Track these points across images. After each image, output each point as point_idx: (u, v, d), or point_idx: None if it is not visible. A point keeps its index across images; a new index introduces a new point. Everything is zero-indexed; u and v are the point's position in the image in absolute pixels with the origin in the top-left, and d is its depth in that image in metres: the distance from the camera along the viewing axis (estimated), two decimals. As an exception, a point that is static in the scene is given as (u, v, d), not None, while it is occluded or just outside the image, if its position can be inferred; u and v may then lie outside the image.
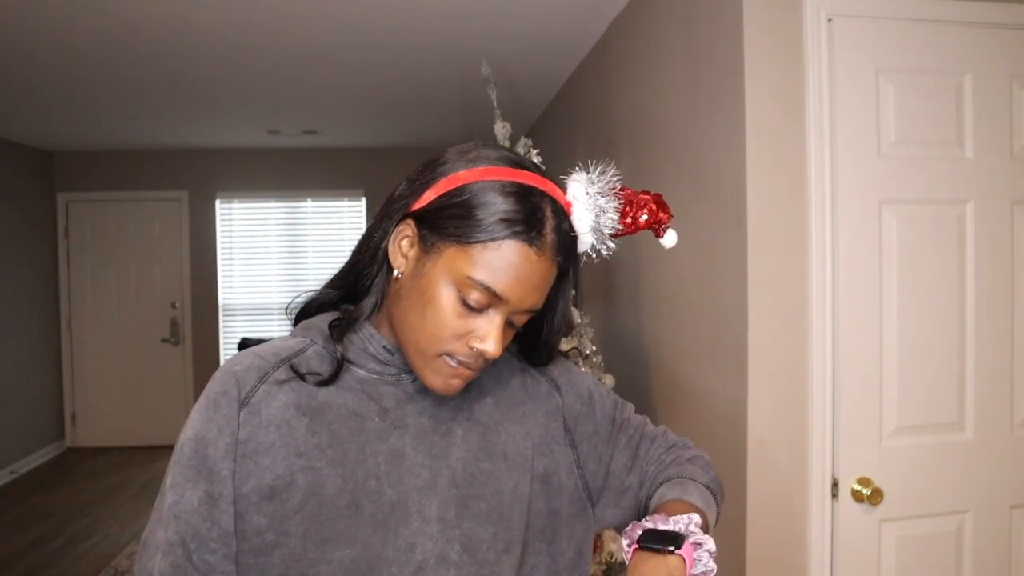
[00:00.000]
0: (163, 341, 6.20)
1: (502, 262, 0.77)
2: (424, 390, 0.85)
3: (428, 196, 0.81)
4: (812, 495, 1.80)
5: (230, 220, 6.33)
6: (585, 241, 0.84)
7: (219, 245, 6.24)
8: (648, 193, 0.89)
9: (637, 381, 2.57)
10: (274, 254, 6.37)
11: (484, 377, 0.90)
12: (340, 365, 0.83)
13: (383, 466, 0.80)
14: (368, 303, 0.84)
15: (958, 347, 1.85)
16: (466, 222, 0.77)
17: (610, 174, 0.86)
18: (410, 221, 0.81)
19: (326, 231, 6.43)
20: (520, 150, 2.19)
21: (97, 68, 3.60)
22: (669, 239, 0.90)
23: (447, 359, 0.80)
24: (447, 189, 0.80)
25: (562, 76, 3.85)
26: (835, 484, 1.81)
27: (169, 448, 6.09)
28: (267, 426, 0.79)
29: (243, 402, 0.79)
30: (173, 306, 6.22)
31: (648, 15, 2.52)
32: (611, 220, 0.84)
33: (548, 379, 0.95)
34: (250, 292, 6.35)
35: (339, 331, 0.84)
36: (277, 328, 6.31)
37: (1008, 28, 1.85)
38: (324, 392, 0.82)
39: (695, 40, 2.12)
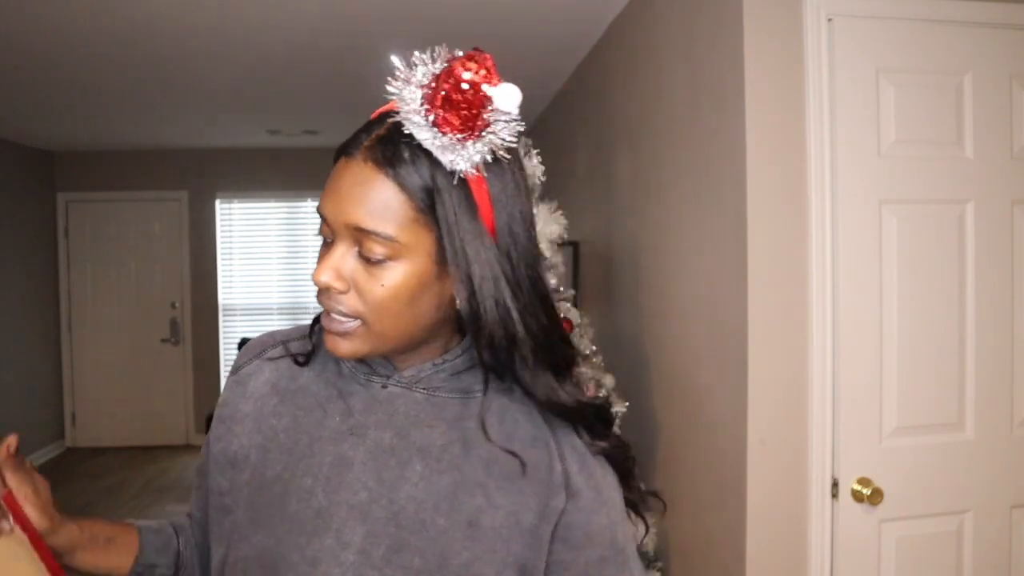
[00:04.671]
0: (163, 341, 6.20)
1: (328, 180, 0.75)
2: (392, 399, 0.79)
3: None
4: (812, 495, 1.80)
5: (230, 220, 6.33)
6: (426, 140, 0.70)
7: (219, 245, 6.24)
8: (460, 60, 0.72)
9: (637, 381, 2.57)
10: (274, 254, 6.37)
11: (488, 425, 0.76)
12: (312, 350, 0.84)
13: (325, 468, 0.77)
14: None
15: (958, 347, 1.85)
16: None
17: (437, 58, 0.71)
18: None
19: (326, 231, 6.42)
20: (520, 150, 2.19)
21: (97, 68, 3.60)
22: (502, 94, 0.71)
23: (323, 317, 0.78)
24: None
25: (562, 76, 3.85)
26: (835, 484, 1.81)
27: (169, 448, 6.09)
28: (248, 398, 0.84)
29: (235, 371, 0.87)
30: (173, 306, 6.22)
31: (648, 15, 2.52)
32: (419, 102, 0.70)
33: (564, 472, 0.76)
34: (250, 292, 6.35)
35: (317, 318, 0.83)
36: (277, 328, 6.30)
37: (1008, 28, 1.85)
38: (305, 377, 0.83)
39: (695, 40, 2.12)
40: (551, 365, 0.77)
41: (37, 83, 3.88)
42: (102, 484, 5.19)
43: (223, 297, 6.30)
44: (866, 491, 1.78)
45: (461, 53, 0.72)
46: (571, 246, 3.41)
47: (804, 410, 1.80)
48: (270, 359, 0.86)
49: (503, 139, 0.71)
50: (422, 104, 0.70)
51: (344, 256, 0.73)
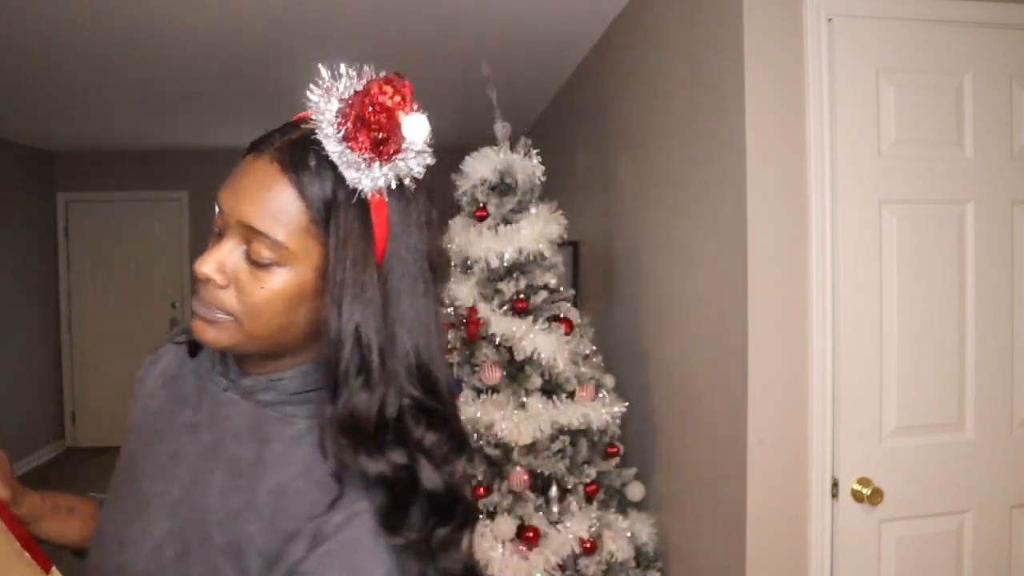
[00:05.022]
0: (163, 341, 6.21)
1: (231, 173, 0.74)
2: (228, 405, 0.78)
3: None
4: (812, 495, 1.80)
5: (230, 220, 6.33)
6: (334, 153, 0.70)
7: (219, 245, 6.23)
8: (378, 82, 0.72)
9: (637, 381, 2.57)
10: (274, 254, 6.37)
11: (293, 455, 0.73)
12: (193, 345, 0.85)
13: (163, 458, 0.79)
14: None
15: (958, 347, 1.85)
16: None
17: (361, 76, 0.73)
18: None
19: (326, 231, 6.42)
20: (520, 150, 2.19)
21: (97, 68, 3.60)
22: (410, 124, 0.71)
23: (193, 300, 0.77)
24: None
25: (562, 76, 3.85)
26: (835, 484, 1.81)
27: (169, 448, 6.09)
28: (152, 377, 0.89)
29: (153, 352, 0.92)
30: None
31: (648, 15, 2.52)
32: (334, 115, 0.70)
33: (323, 522, 0.69)
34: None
35: None
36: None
37: (1008, 28, 1.85)
38: (189, 366, 0.85)
39: (695, 40, 2.12)
40: (403, 428, 0.71)
41: (37, 83, 3.88)
42: (102, 484, 5.18)
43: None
44: (866, 491, 1.78)
45: (383, 74, 0.73)
46: (571, 246, 3.41)
47: (804, 410, 1.80)
48: (176, 343, 0.89)
49: (411, 168, 0.71)
50: (336, 117, 0.70)
51: (231, 252, 0.72)
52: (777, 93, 1.79)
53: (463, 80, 3.77)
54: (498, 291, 2.15)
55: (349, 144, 0.69)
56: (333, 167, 0.70)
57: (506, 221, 2.15)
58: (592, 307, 3.17)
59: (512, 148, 2.19)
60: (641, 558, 2.30)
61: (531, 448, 2.05)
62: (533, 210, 2.17)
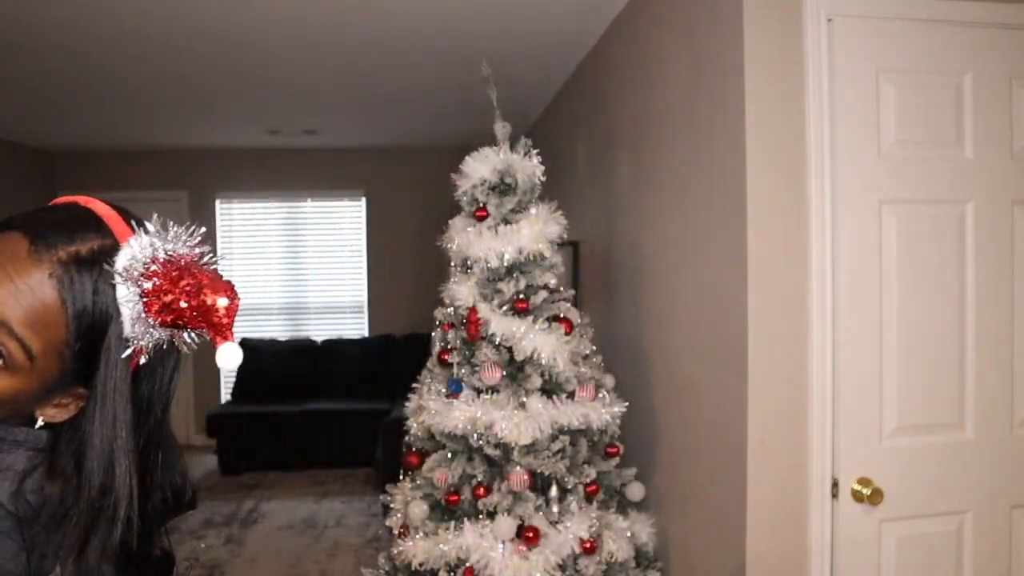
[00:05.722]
0: (163, 341, 6.20)
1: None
2: None
3: None
4: (812, 495, 1.80)
5: (230, 220, 6.33)
6: (122, 298, 0.67)
7: (219, 245, 6.24)
8: (214, 275, 0.70)
9: (637, 381, 2.57)
10: (274, 254, 6.37)
11: None
12: None
13: None
14: None
15: (958, 347, 1.85)
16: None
17: (195, 241, 0.71)
18: None
19: (326, 231, 6.43)
20: (520, 150, 2.19)
21: (97, 68, 3.60)
22: (224, 356, 0.68)
23: None
24: None
25: (562, 76, 3.85)
26: (835, 484, 1.81)
27: (169, 448, 6.08)
28: None
29: None
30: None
31: (648, 15, 2.52)
32: (144, 285, 0.67)
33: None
34: (250, 292, 6.34)
35: None
36: (277, 328, 6.32)
37: (1008, 28, 1.85)
38: None
39: (695, 40, 2.12)
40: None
41: (37, 83, 3.88)
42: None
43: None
44: (866, 491, 1.78)
45: (205, 264, 0.71)
46: (571, 246, 3.41)
47: (804, 410, 1.80)
48: None
49: (192, 339, 0.69)
50: (146, 277, 0.67)
51: None
52: (777, 93, 1.79)
53: (463, 80, 3.77)
54: (498, 291, 2.15)
55: (147, 308, 0.67)
56: (115, 304, 0.68)
57: (506, 221, 2.15)
58: (592, 307, 3.17)
59: (512, 148, 2.19)
60: (641, 558, 2.30)
61: (531, 448, 2.05)
62: (533, 210, 2.17)
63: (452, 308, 2.21)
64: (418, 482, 2.23)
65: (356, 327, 6.43)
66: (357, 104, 4.55)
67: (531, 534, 2.02)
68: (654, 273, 2.50)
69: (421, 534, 2.13)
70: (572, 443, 2.14)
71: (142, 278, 0.67)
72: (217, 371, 6.21)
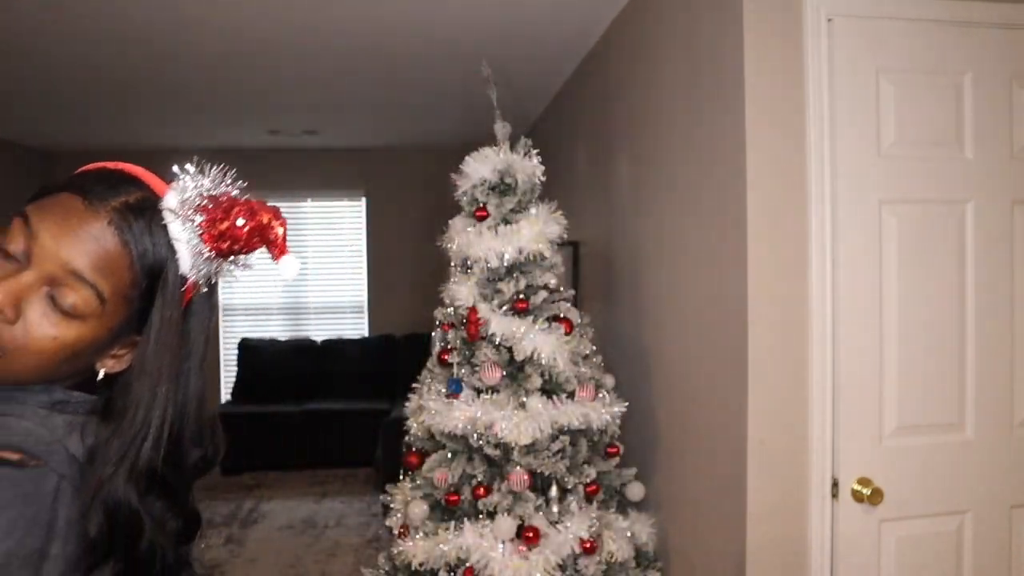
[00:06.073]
0: (163, 341, 6.20)
1: (50, 204, 0.72)
2: None
3: None
4: (812, 495, 1.80)
5: (230, 220, 6.33)
6: (175, 231, 0.73)
7: (219, 245, 6.23)
8: (260, 203, 0.75)
9: (637, 381, 2.57)
10: (274, 254, 6.37)
11: None
12: None
13: None
14: None
15: (958, 347, 1.85)
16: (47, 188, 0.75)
17: (227, 182, 0.75)
18: None
19: (326, 231, 6.43)
20: (520, 150, 2.19)
21: (97, 69, 3.60)
22: (286, 266, 0.76)
23: None
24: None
25: (562, 76, 3.85)
26: (835, 484, 1.81)
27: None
28: None
29: None
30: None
31: (648, 15, 2.53)
32: (197, 219, 0.73)
33: None
34: (250, 292, 6.35)
35: None
36: (277, 328, 6.31)
37: (1008, 28, 1.85)
38: None
39: (695, 40, 2.12)
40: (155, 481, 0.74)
41: (37, 83, 3.88)
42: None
43: (223, 297, 6.29)
44: (866, 491, 1.78)
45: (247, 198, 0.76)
46: (571, 246, 3.41)
47: (804, 410, 1.80)
48: None
49: (237, 274, 0.77)
50: (199, 211, 0.73)
51: (31, 287, 0.69)
52: (777, 93, 1.79)
53: (463, 80, 3.77)
54: (498, 291, 2.15)
55: (204, 239, 0.73)
56: (169, 246, 0.73)
57: (506, 221, 2.15)
58: (592, 307, 3.17)
59: (512, 148, 2.18)
60: (641, 558, 2.30)
61: (531, 448, 2.05)
62: (533, 210, 2.17)
63: (452, 308, 2.21)
64: (418, 482, 2.23)
65: (356, 327, 6.43)
66: (357, 104, 4.55)
67: (531, 534, 2.02)
68: (654, 273, 2.50)
69: (421, 534, 2.13)
70: (572, 443, 2.14)
71: (195, 213, 0.73)
72: (217, 372, 6.22)
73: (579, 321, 2.23)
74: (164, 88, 4.05)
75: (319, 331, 6.32)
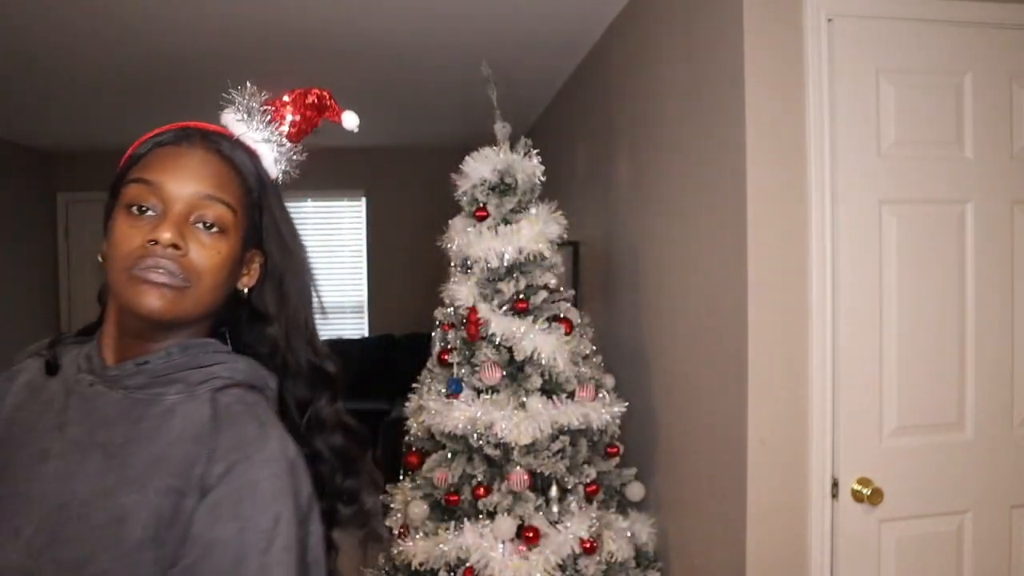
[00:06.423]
0: (163, 341, 6.20)
1: (149, 162, 0.84)
2: (94, 397, 0.82)
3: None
4: (812, 495, 1.80)
5: (230, 220, 6.32)
6: (251, 139, 0.89)
7: (219, 245, 6.23)
8: (299, 89, 0.93)
9: (637, 381, 2.57)
10: (274, 254, 6.36)
11: (168, 426, 0.79)
12: (55, 359, 0.89)
13: (26, 459, 0.81)
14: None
15: (958, 347, 1.85)
16: (127, 167, 0.86)
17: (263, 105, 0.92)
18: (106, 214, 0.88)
19: (326, 231, 6.42)
20: (520, 150, 2.19)
21: (97, 68, 3.60)
22: (349, 119, 0.96)
23: (132, 272, 0.79)
24: (121, 162, 0.89)
25: (562, 76, 3.85)
26: (835, 484, 1.81)
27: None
28: (11, 393, 0.89)
29: (9, 368, 0.92)
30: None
31: (648, 15, 2.53)
32: (260, 115, 0.90)
33: (207, 473, 0.77)
34: (250, 292, 6.34)
35: (80, 331, 0.94)
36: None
37: (1008, 28, 1.85)
38: (51, 379, 0.88)
39: (695, 40, 2.12)
40: (303, 338, 0.93)
41: (37, 83, 3.88)
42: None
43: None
44: (866, 491, 1.78)
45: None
46: (571, 246, 3.41)
47: (804, 410, 1.80)
48: (39, 355, 0.91)
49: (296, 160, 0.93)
50: (262, 113, 0.90)
51: (184, 222, 0.81)
52: (777, 93, 1.79)
53: (463, 80, 3.77)
54: (498, 291, 2.15)
55: (278, 132, 0.90)
56: (252, 154, 0.89)
57: (506, 221, 2.15)
58: (592, 307, 3.17)
59: (512, 148, 2.18)
60: (641, 558, 2.30)
61: (531, 448, 2.05)
62: (533, 210, 2.16)
63: (452, 308, 2.21)
64: (418, 482, 2.23)
65: (356, 327, 6.42)
66: (357, 104, 4.52)
67: (531, 534, 2.02)
68: (654, 273, 2.50)
69: (421, 534, 2.13)
70: (572, 443, 2.14)
71: (260, 116, 0.90)
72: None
73: (579, 321, 2.23)
74: (164, 88, 4.04)
75: (319, 331, 6.31)
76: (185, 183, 0.82)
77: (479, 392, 2.13)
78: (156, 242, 0.78)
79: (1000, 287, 1.86)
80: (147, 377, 0.83)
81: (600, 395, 2.18)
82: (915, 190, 1.82)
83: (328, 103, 0.93)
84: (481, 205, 2.17)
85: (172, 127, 0.90)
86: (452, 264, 2.25)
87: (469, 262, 2.17)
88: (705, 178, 2.06)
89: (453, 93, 4.16)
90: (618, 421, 2.21)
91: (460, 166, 2.21)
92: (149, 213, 0.81)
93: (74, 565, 0.73)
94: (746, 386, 1.80)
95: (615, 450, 2.27)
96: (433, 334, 2.32)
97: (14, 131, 5.24)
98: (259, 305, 0.90)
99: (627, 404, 2.22)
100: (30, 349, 0.93)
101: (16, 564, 0.75)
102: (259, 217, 0.88)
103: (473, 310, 2.12)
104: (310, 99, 0.91)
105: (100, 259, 0.84)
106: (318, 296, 0.96)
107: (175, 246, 0.79)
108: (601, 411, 2.13)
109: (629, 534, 2.23)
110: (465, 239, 2.17)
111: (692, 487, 2.19)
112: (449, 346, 2.21)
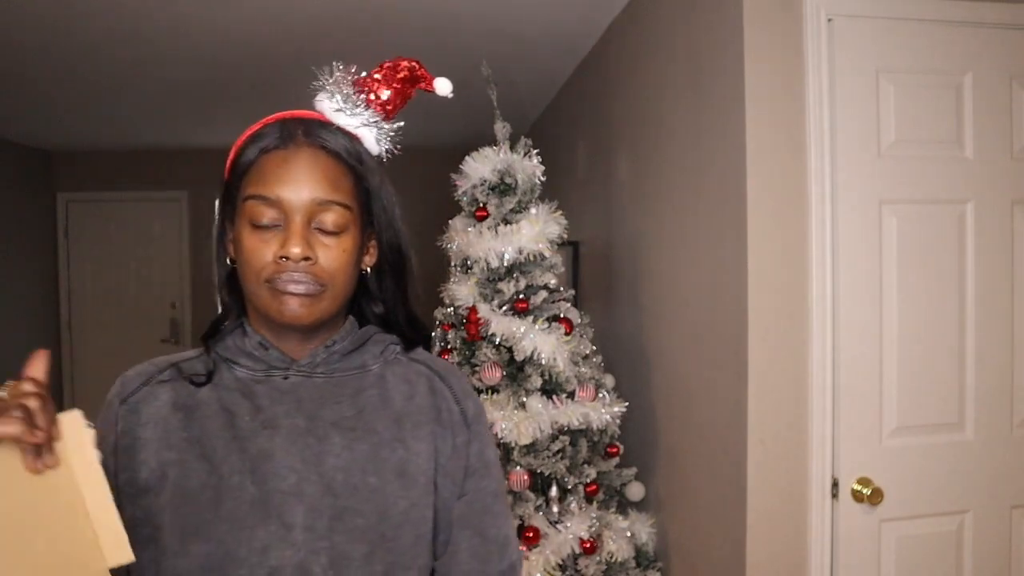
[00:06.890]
0: (163, 341, 6.20)
1: (261, 174, 0.85)
2: (295, 388, 0.86)
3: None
4: (812, 495, 1.80)
5: (230, 220, 6.32)
6: (351, 124, 0.89)
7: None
8: (387, 63, 0.92)
9: (637, 381, 2.57)
10: (274, 254, 6.36)
11: (390, 389, 0.89)
12: (212, 366, 0.88)
13: (249, 463, 0.81)
14: (229, 303, 0.91)
15: (958, 347, 1.85)
16: (236, 173, 0.88)
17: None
18: (222, 216, 0.91)
19: (326, 231, 6.42)
20: (520, 150, 2.19)
21: (97, 68, 3.60)
22: (442, 85, 0.95)
23: (272, 285, 0.83)
24: (227, 165, 0.91)
25: (562, 76, 3.85)
26: (835, 484, 1.81)
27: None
28: (145, 424, 0.85)
29: (124, 401, 0.86)
30: (173, 306, 6.21)
31: (648, 15, 2.53)
32: (353, 97, 0.90)
33: (462, 411, 0.91)
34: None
35: (204, 336, 0.91)
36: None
37: (1008, 28, 1.85)
38: (203, 391, 0.87)
39: (695, 40, 2.12)
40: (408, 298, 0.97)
41: (37, 83, 3.88)
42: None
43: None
44: (866, 491, 1.78)
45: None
46: (571, 246, 3.41)
47: (804, 410, 1.80)
48: (162, 382, 0.88)
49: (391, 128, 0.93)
50: (356, 94, 0.90)
51: (306, 231, 0.83)
52: (777, 93, 1.79)
53: (463, 80, 3.77)
54: (498, 291, 2.15)
55: (375, 111, 0.90)
56: (351, 138, 0.88)
57: (506, 221, 2.15)
58: (592, 307, 3.17)
59: (512, 148, 2.19)
60: (641, 558, 2.30)
61: (531, 448, 2.05)
62: (533, 210, 2.17)
63: (452, 308, 2.21)
64: (418, 482, 2.22)
65: (356, 327, 6.42)
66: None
67: (531, 534, 2.02)
68: (654, 273, 2.50)
69: (421, 534, 2.13)
70: (572, 443, 2.14)
71: (355, 97, 0.90)
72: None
73: (579, 321, 2.23)
74: (164, 88, 4.04)
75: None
76: (300, 190, 0.83)
77: (479, 392, 2.13)
78: (287, 257, 0.81)
79: (1000, 287, 1.86)
80: (339, 356, 0.89)
81: (600, 395, 2.18)
82: (915, 190, 1.83)
83: (419, 73, 0.92)
84: (481, 205, 2.17)
85: (269, 122, 0.89)
86: (452, 264, 2.26)
87: (469, 262, 2.18)
88: (705, 178, 2.06)
89: (453, 93, 4.16)
90: (618, 421, 2.21)
91: (460, 166, 2.21)
92: (273, 226, 0.83)
93: (367, 528, 0.81)
94: (746, 386, 1.80)
95: (615, 450, 2.27)
96: (433, 334, 2.32)
97: (14, 131, 5.24)
98: (375, 277, 0.94)
99: (627, 404, 2.22)
100: (134, 379, 0.89)
101: (300, 560, 0.79)
102: (369, 202, 0.90)
103: (473, 310, 2.12)
104: (401, 72, 0.90)
105: (229, 262, 0.89)
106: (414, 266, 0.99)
107: (306, 258, 0.82)
108: (601, 411, 2.13)
109: (629, 534, 2.23)
110: (465, 239, 2.18)
111: (692, 487, 2.19)
112: (449, 346, 2.21)
